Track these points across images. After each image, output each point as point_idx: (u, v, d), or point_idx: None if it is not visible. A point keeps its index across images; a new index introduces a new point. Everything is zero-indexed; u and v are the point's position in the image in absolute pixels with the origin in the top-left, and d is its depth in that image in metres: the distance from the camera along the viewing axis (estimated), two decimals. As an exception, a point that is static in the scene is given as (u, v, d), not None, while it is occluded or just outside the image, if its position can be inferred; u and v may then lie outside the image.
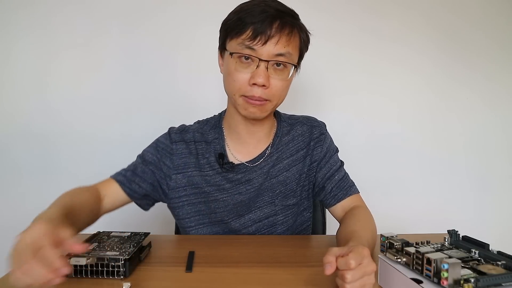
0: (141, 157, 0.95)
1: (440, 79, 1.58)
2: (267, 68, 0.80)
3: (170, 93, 1.50)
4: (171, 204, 0.95)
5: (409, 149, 1.60)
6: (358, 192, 0.96)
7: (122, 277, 0.66)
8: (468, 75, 1.59)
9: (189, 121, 1.02)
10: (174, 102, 1.50)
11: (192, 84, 1.48)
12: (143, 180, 0.92)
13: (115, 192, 0.90)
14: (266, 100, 0.83)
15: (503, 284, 0.50)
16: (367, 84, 1.55)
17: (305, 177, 0.96)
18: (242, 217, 0.93)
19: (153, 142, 0.97)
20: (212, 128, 0.97)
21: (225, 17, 0.85)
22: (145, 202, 0.96)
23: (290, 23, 0.81)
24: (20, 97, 1.47)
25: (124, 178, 0.91)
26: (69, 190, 0.81)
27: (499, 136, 1.62)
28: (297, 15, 0.85)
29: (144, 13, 1.47)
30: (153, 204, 0.99)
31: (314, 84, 1.54)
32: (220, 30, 0.87)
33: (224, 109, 0.98)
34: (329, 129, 1.01)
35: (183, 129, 0.98)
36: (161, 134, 0.98)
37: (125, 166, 0.97)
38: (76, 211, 0.73)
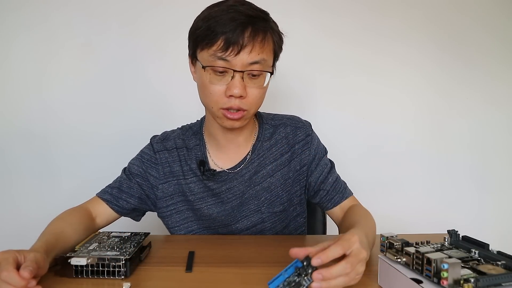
0: (126, 170, 0.95)
1: (441, 78, 1.58)
2: (242, 78, 0.77)
3: (168, 94, 1.50)
4: (160, 213, 0.96)
5: (409, 148, 1.59)
6: (352, 193, 0.95)
7: (122, 277, 0.66)
8: (469, 74, 1.58)
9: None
10: (173, 102, 1.50)
11: (191, 86, 1.48)
12: (130, 196, 0.92)
13: (104, 211, 0.90)
14: (245, 110, 0.80)
15: (503, 284, 0.50)
16: (367, 83, 1.55)
17: (291, 182, 0.93)
18: (229, 226, 0.93)
19: (137, 154, 0.97)
20: (193, 134, 0.96)
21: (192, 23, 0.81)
22: (135, 215, 0.97)
23: (263, 28, 0.77)
24: (19, 97, 1.47)
25: (111, 196, 0.91)
26: (59, 214, 0.82)
27: (499, 135, 1.62)
28: (268, 15, 0.81)
29: (143, 14, 1.47)
30: (143, 215, 0.99)
31: (313, 83, 1.54)
32: (189, 38, 0.83)
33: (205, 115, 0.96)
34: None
35: (164, 137, 0.97)
36: (145, 145, 0.98)
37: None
38: (67, 234, 0.74)
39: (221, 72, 0.78)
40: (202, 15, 0.80)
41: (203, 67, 0.78)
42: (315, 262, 0.54)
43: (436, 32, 1.56)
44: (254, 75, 0.79)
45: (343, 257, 0.56)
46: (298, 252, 0.57)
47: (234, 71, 0.76)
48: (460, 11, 1.56)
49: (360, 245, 0.57)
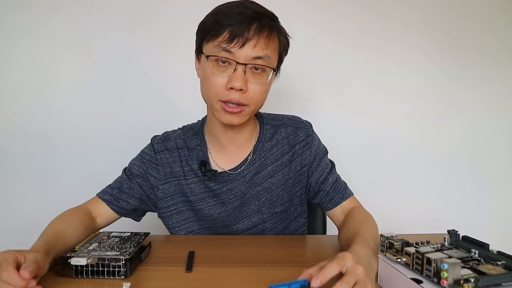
0: (127, 171, 0.95)
1: (440, 79, 1.58)
2: (244, 71, 0.77)
3: (169, 93, 1.50)
4: (161, 214, 0.96)
5: (408, 149, 1.59)
6: (353, 194, 0.95)
7: (122, 277, 0.66)
8: (468, 75, 1.58)
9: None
10: (173, 102, 1.50)
11: (192, 85, 1.48)
12: (130, 196, 0.92)
13: (105, 212, 0.90)
14: (244, 105, 0.80)
15: (503, 284, 0.50)
16: (366, 83, 1.55)
17: (292, 182, 0.93)
18: (230, 226, 0.93)
19: (138, 154, 0.96)
20: (194, 135, 0.95)
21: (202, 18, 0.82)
22: (135, 215, 0.97)
23: (269, 25, 0.79)
24: (20, 97, 1.47)
25: (111, 196, 0.91)
26: (60, 214, 0.82)
27: (499, 135, 1.62)
28: (276, 18, 0.83)
29: (144, 13, 1.47)
30: (144, 215, 1.00)
31: (313, 84, 1.54)
32: (197, 32, 0.84)
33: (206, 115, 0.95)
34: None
35: (165, 137, 0.96)
36: (145, 145, 0.97)
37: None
38: (68, 235, 0.75)
39: (223, 63, 0.78)
40: (212, 11, 0.82)
41: (207, 57, 0.79)
42: (314, 284, 0.54)
43: (435, 33, 1.55)
44: (256, 70, 0.79)
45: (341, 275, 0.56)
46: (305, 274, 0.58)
47: (237, 63, 0.77)
48: (459, 13, 1.56)
49: (355, 261, 0.56)
